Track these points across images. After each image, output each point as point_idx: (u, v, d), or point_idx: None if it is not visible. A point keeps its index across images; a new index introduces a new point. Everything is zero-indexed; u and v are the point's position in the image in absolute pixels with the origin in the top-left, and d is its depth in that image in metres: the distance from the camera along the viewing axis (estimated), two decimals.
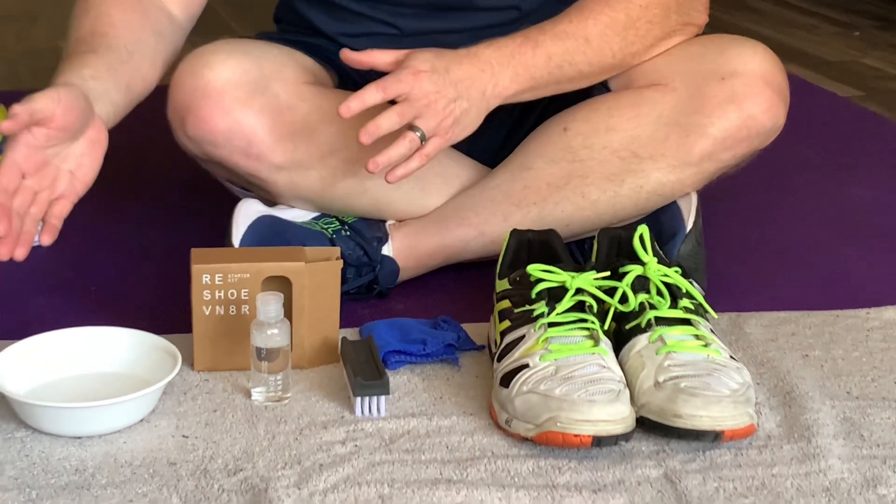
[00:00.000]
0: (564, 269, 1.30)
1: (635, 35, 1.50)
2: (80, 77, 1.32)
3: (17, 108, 1.21)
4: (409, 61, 1.39)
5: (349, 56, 1.41)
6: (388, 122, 1.37)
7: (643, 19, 1.49)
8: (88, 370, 1.30)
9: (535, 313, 1.28)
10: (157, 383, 1.23)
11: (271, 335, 1.26)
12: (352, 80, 1.59)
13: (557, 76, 1.46)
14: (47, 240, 1.25)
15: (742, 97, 1.47)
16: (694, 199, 1.53)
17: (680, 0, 1.52)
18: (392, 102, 1.38)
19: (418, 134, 1.38)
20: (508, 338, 1.28)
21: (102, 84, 1.33)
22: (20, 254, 1.22)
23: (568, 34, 1.46)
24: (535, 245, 1.41)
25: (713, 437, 1.18)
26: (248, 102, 1.46)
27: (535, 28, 1.46)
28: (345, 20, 1.61)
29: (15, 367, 1.26)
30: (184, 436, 1.22)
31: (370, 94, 1.37)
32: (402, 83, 1.37)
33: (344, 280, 1.47)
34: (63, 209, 1.27)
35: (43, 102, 1.23)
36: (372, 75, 1.57)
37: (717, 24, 2.05)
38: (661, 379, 1.21)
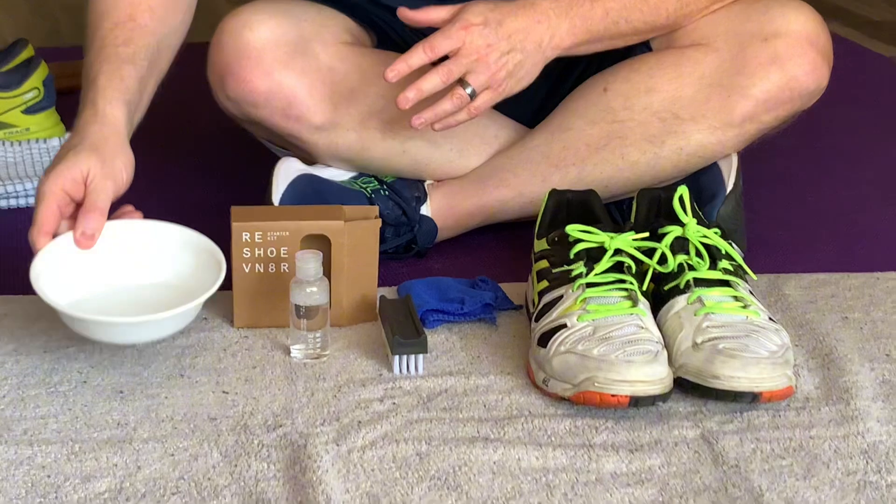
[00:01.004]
0: (603, 230, 1.30)
1: None
2: (121, 107, 1.30)
3: (89, 231, 1.23)
4: (461, 14, 1.38)
5: (406, 15, 1.40)
6: (430, 84, 1.37)
7: None
8: (133, 270, 1.28)
9: (574, 273, 1.28)
10: (199, 297, 1.21)
11: (310, 293, 1.27)
12: (391, 40, 1.59)
13: (613, 32, 1.45)
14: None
15: (785, 58, 1.46)
16: (734, 160, 1.53)
17: None
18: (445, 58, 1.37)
19: (468, 90, 1.38)
20: (546, 298, 1.29)
21: (135, 105, 1.33)
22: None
23: None
24: (573, 205, 1.41)
25: (751, 399, 1.18)
26: (288, 63, 1.47)
27: None
28: None
29: (58, 264, 1.24)
30: (224, 392, 1.23)
31: (416, 57, 1.36)
32: (452, 39, 1.37)
33: (382, 239, 1.48)
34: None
35: (99, 221, 1.25)
36: (414, 35, 1.57)
37: None
38: (699, 340, 1.22)
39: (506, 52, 1.38)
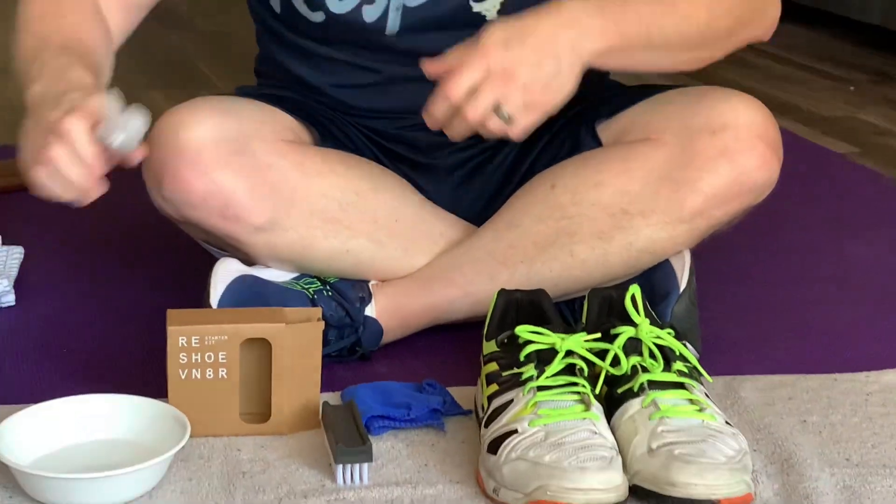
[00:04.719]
0: (554, 331, 1.30)
1: (720, 7, 1.46)
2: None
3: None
4: (478, 41, 1.32)
5: (430, 69, 1.36)
6: (460, 130, 1.33)
7: None
8: (94, 437, 1.30)
9: (524, 377, 1.28)
10: (166, 453, 1.23)
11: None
12: (332, 136, 1.60)
13: (645, 40, 1.41)
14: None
15: (734, 152, 1.48)
16: (687, 257, 1.54)
17: None
18: None
19: (503, 116, 1.32)
20: (496, 402, 1.29)
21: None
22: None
23: None
24: (523, 305, 1.41)
25: None
26: (226, 162, 1.47)
27: None
28: (329, 71, 1.62)
29: (18, 436, 1.25)
30: None
31: (440, 107, 1.32)
32: (473, 71, 1.31)
33: (325, 342, 1.47)
34: None
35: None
36: (357, 132, 1.58)
37: (709, 77, 2.08)
38: (654, 445, 1.22)
39: (536, 64, 1.33)
